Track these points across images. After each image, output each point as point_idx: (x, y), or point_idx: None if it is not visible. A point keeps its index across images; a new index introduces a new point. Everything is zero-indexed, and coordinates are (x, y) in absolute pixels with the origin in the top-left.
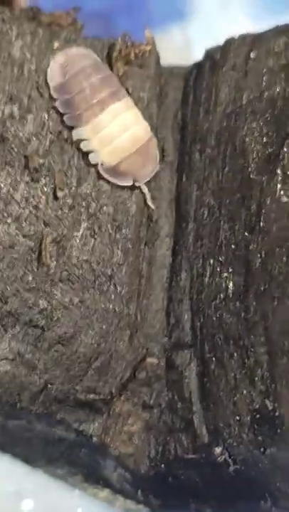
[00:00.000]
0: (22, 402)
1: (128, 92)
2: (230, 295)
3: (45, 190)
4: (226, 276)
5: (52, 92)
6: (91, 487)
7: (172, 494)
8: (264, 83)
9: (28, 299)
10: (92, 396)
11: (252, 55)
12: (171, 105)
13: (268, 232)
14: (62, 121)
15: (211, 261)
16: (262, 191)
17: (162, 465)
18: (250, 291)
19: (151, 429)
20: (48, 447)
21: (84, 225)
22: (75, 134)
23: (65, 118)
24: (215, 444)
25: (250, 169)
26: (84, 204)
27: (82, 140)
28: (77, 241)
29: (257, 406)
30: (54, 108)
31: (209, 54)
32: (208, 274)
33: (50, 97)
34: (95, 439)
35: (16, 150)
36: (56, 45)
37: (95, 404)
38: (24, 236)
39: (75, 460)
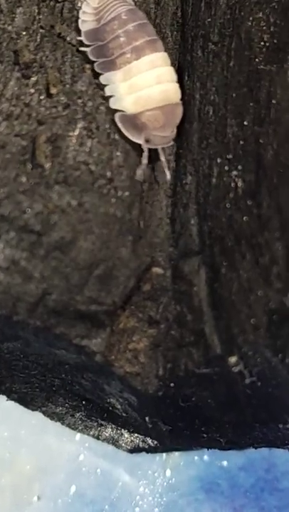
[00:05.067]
0: (18, 315)
1: None
2: (240, 193)
3: (38, 87)
4: (236, 175)
5: (83, 38)
6: (94, 426)
7: (182, 420)
8: None
9: (23, 201)
10: (94, 307)
11: None
12: (169, 1)
13: (280, 122)
14: (54, 16)
15: (219, 160)
16: (271, 81)
17: (172, 384)
18: (262, 186)
19: (158, 346)
20: (47, 377)
21: (80, 124)
22: (104, 79)
23: (95, 65)
24: (229, 354)
25: (257, 60)
26: (80, 102)
27: (107, 84)
28: (74, 141)
29: (274, 306)
30: (44, 1)
31: None
32: (215, 174)
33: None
34: (98, 356)
35: (4, 45)
36: None
37: (97, 316)
38: (16, 135)
39: (77, 390)
